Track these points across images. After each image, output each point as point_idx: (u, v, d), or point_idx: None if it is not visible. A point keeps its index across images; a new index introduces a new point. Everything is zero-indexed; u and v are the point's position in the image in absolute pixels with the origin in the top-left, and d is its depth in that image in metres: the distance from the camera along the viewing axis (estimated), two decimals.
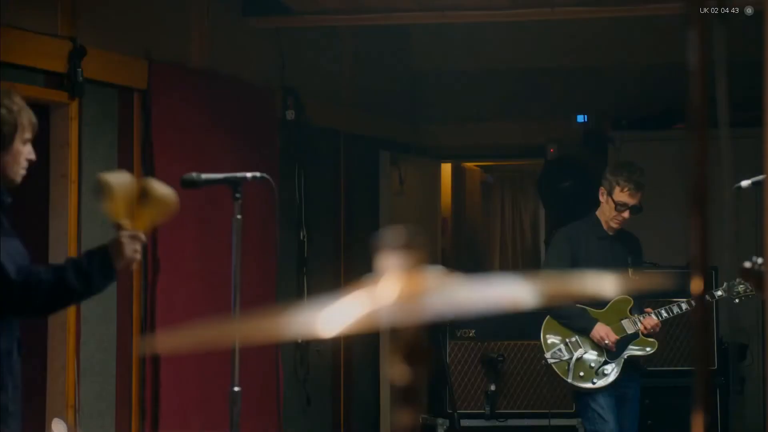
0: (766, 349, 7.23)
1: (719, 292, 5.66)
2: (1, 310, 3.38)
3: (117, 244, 3.43)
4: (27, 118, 3.52)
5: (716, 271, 5.81)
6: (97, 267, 3.43)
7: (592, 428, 5.70)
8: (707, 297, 5.50)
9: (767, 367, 7.25)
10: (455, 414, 6.70)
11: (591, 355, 5.70)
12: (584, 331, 5.70)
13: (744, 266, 3.72)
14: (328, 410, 7.38)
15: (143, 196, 3.49)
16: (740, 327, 7.19)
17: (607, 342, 5.65)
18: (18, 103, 3.52)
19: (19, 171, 3.53)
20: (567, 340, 5.73)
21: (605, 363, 5.70)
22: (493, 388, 6.88)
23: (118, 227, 3.46)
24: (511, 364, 6.94)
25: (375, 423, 7.79)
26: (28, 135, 3.53)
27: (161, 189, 3.53)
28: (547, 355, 5.75)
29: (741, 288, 5.60)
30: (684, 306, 5.71)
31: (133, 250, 3.44)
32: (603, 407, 5.68)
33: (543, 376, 6.82)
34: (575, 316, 5.71)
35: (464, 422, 6.73)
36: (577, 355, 5.70)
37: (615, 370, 5.69)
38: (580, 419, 6.70)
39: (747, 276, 4.09)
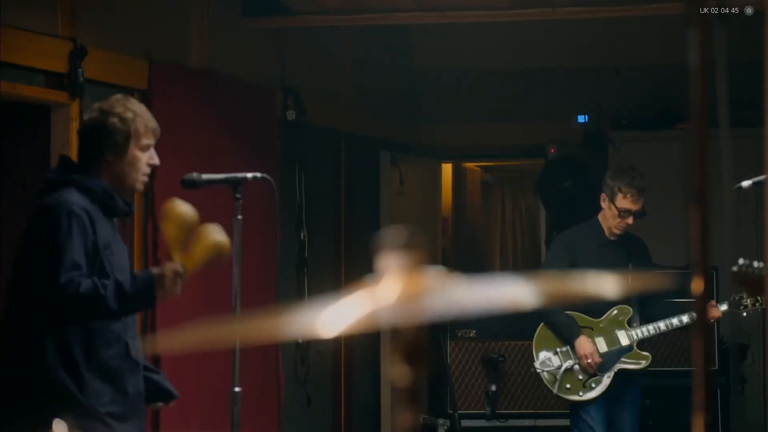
0: (767, 349, 7.22)
1: (723, 307, 5.53)
2: (49, 316, 3.39)
3: (162, 276, 3.41)
4: (143, 125, 3.53)
5: (717, 272, 5.79)
6: (140, 293, 3.41)
7: None
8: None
9: None
10: (456, 414, 6.69)
11: (581, 367, 5.65)
12: (567, 342, 5.64)
13: (733, 270, 3.62)
14: (328, 410, 7.37)
15: (199, 236, 3.49)
16: (740, 327, 7.19)
17: (589, 361, 5.58)
18: (133, 109, 3.54)
19: (139, 178, 3.56)
20: (558, 350, 5.67)
21: (594, 375, 5.64)
22: (493, 388, 6.87)
23: (170, 257, 3.47)
24: (512, 364, 6.93)
25: (375, 423, 7.78)
26: (146, 141, 3.55)
27: (217, 235, 3.52)
28: (537, 363, 5.71)
29: (749, 301, 5.47)
30: (685, 319, 5.62)
31: (174, 284, 3.42)
32: (593, 419, 5.63)
33: (539, 379, 6.83)
34: (562, 325, 5.64)
35: (465, 422, 6.73)
36: (566, 365, 5.64)
37: (603, 383, 5.63)
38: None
39: (739, 279, 4.01)
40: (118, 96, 3.64)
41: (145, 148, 3.54)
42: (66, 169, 3.53)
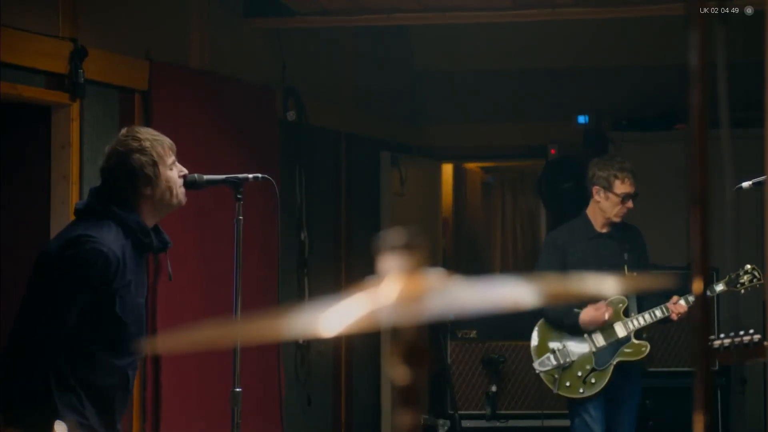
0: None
1: (720, 287, 5.47)
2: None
3: None
4: (160, 146, 3.61)
5: (717, 272, 5.79)
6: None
7: None
8: (707, 292, 5.40)
9: None
10: (456, 415, 6.69)
11: (578, 364, 5.65)
12: (574, 327, 5.62)
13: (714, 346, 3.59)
14: (328, 411, 7.38)
15: None
16: (741, 327, 7.18)
17: (606, 316, 5.53)
18: (145, 137, 3.60)
19: (178, 192, 3.63)
20: (555, 349, 5.68)
21: (593, 371, 5.65)
22: (494, 388, 6.88)
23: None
24: (512, 364, 6.94)
25: (376, 424, 7.78)
26: (170, 159, 3.63)
27: None
28: (536, 364, 5.72)
29: (746, 278, 5.47)
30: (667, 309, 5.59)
31: None
32: (592, 416, 5.63)
33: (540, 379, 6.83)
34: (563, 315, 5.62)
35: (465, 423, 6.73)
36: (564, 364, 5.65)
37: (603, 378, 5.64)
38: None
39: (724, 358, 3.91)
40: (123, 131, 3.68)
41: (172, 166, 3.60)
42: (104, 200, 3.56)
